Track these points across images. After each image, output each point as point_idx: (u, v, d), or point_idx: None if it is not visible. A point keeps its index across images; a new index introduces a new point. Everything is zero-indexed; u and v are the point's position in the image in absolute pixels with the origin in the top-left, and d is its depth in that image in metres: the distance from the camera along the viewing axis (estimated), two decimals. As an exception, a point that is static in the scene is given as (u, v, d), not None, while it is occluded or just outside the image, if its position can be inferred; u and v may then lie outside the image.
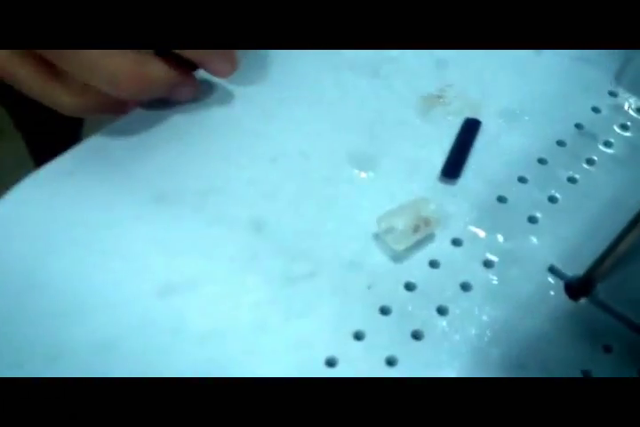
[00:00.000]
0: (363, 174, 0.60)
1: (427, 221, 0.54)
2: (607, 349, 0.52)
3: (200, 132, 0.60)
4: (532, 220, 0.59)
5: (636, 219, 0.48)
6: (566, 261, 0.56)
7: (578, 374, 0.51)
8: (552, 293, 0.55)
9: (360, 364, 0.49)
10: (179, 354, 0.48)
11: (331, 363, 0.49)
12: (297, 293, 0.52)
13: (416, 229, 0.54)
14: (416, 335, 0.51)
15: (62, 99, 0.51)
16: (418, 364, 0.50)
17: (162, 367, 0.47)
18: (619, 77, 0.47)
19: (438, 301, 0.53)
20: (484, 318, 0.52)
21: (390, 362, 0.49)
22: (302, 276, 0.53)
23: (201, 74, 0.61)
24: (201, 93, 0.61)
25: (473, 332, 0.52)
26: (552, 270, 0.56)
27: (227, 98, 0.63)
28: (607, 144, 0.65)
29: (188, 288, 0.51)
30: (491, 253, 0.56)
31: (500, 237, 0.57)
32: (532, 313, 0.53)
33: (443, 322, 0.52)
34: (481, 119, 0.64)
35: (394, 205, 0.56)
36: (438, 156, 0.62)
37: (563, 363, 0.51)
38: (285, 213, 0.56)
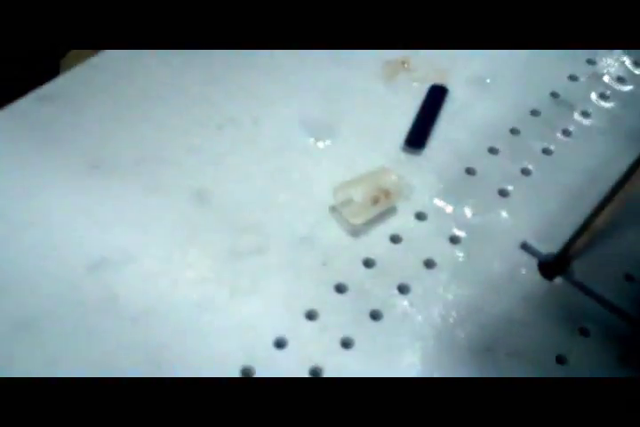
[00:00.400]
0: (319, 143, 0.57)
1: (387, 193, 0.52)
2: (584, 332, 0.51)
3: (140, 98, 0.57)
4: (503, 193, 0.57)
5: (611, 193, 0.46)
6: (540, 238, 0.54)
7: (551, 359, 0.48)
8: (524, 271, 0.53)
9: (312, 345, 0.47)
10: (109, 335, 0.45)
11: (280, 344, 0.46)
12: (243, 269, 0.50)
13: (375, 201, 0.51)
14: (374, 315, 0.49)
15: None
16: (376, 346, 0.48)
17: (88, 350, 0.45)
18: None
19: (399, 278, 0.51)
20: (450, 297, 0.50)
21: (345, 344, 0.47)
22: (250, 251, 0.51)
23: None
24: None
25: (437, 312, 0.50)
26: (524, 247, 0.54)
27: (170, 61, 0.60)
28: (585, 114, 0.63)
29: (122, 263, 0.48)
30: (458, 229, 0.54)
31: (469, 212, 0.55)
32: (501, 293, 0.52)
33: (404, 301, 0.50)
34: (448, 86, 0.62)
35: (352, 176, 0.53)
36: (402, 124, 0.59)
37: (535, 347, 0.49)
38: (232, 184, 0.54)
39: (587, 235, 0.49)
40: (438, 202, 0.55)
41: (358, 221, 0.52)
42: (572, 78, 0.65)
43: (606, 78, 0.66)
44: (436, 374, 0.47)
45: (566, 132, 0.61)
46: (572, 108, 0.63)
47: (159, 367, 0.44)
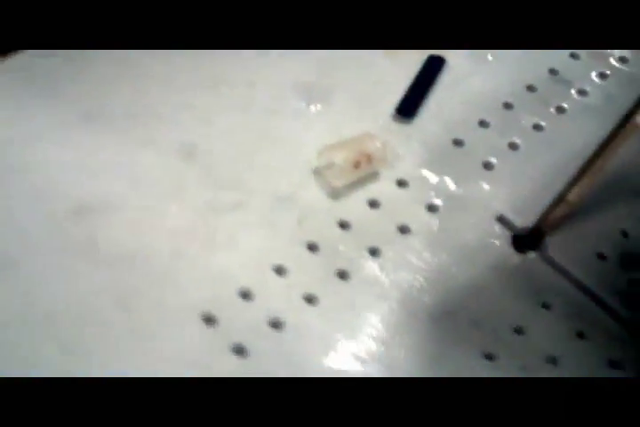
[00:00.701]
0: (311, 107, 0.61)
1: (369, 158, 0.55)
2: (546, 306, 0.54)
3: (137, 54, 0.61)
4: (488, 166, 0.60)
5: (584, 167, 0.49)
6: (517, 212, 0.57)
7: (510, 330, 0.52)
8: (498, 243, 0.56)
9: (277, 299, 0.51)
10: (84, 277, 0.50)
11: (245, 295, 0.51)
12: (221, 223, 0.55)
13: (356, 165, 0.55)
14: (342, 275, 0.53)
15: None
16: (339, 304, 0.52)
17: (63, 290, 0.50)
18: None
19: (372, 242, 0.55)
20: (420, 263, 0.54)
21: (310, 299, 0.51)
22: (230, 205, 0.55)
23: None
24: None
25: (405, 277, 0.53)
26: (501, 220, 0.57)
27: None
28: (581, 92, 0.66)
29: (105, 210, 0.52)
30: (437, 198, 0.58)
31: (450, 182, 0.59)
32: (472, 263, 0.56)
33: (374, 264, 0.54)
34: (447, 58, 0.65)
35: (339, 141, 0.57)
36: (396, 93, 0.63)
37: (497, 316, 0.53)
38: (220, 142, 0.57)
39: (560, 210, 0.52)
40: (421, 171, 0.58)
41: (339, 183, 0.55)
42: (574, 56, 0.68)
43: (609, 58, 0.68)
44: (396, 338, 0.51)
45: (560, 109, 0.64)
46: (569, 85, 0.66)
47: (127, 310, 0.48)
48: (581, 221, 0.57)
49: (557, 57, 0.67)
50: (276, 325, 0.50)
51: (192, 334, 0.49)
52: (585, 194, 0.51)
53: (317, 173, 0.57)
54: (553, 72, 0.66)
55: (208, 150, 0.57)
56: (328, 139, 0.58)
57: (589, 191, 0.51)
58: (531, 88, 0.65)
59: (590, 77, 0.66)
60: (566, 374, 0.51)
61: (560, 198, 0.50)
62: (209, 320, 0.50)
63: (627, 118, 0.43)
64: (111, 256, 0.51)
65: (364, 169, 0.55)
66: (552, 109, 0.64)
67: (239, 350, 0.49)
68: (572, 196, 0.50)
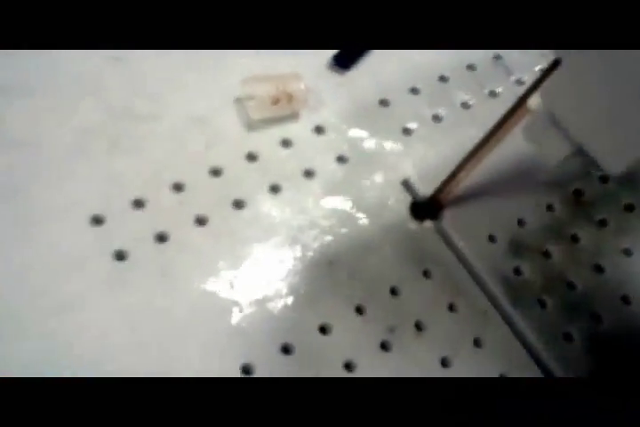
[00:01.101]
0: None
1: (290, 98, 0.59)
2: (426, 274, 0.58)
3: None
4: (406, 131, 0.64)
5: (483, 140, 0.53)
6: (423, 180, 0.61)
7: (386, 289, 0.56)
8: (396, 206, 0.60)
9: (167, 213, 0.54)
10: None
11: (138, 204, 0.54)
12: (131, 129, 0.57)
13: (275, 101, 0.58)
14: (237, 204, 0.56)
15: None
16: (227, 231, 0.56)
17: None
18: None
19: (274, 179, 0.58)
20: (316, 209, 0.58)
21: (200, 221, 0.55)
22: (144, 115, 0.57)
23: None
24: None
25: (298, 219, 0.58)
26: (405, 184, 0.61)
27: None
28: (519, 82, 0.70)
29: (9, 92, 0.55)
30: (349, 150, 0.61)
31: (367, 138, 0.62)
32: (366, 219, 0.60)
33: (271, 200, 0.57)
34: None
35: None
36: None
37: (375, 273, 0.56)
38: (151, 53, 0.61)
39: (453, 184, 0.56)
40: (341, 122, 0.62)
41: (256, 116, 0.58)
42: (523, 46, 0.72)
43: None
44: (274, 275, 0.55)
45: (493, 94, 0.69)
46: (509, 73, 0.70)
47: (16, 195, 0.52)
48: (483, 201, 0.61)
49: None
50: (160, 238, 0.53)
51: (76, 231, 0.52)
52: (472, 171, 0.54)
53: (238, 102, 0.59)
54: (497, 57, 0.70)
55: (135, 59, 0.59)
56: (257, 70, 0.60)
57: (477, 169, 0.54)
58: (471, 67, 0.69)
59: (532, 70, 0.70)
60: (428, 344, 0.55)
61: (453, 173, 0.54)
62: (97, 221, 0.53)
63: (520, 101, 0.47)
64: (8, 140, 0.53)
65: (283, 108, 0.58)
66: (485, 91, 0.68)
67: (119, 256, 0.52)
68: (463, 173, 0.54)
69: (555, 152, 0.44)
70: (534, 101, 0.43)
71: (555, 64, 0.42)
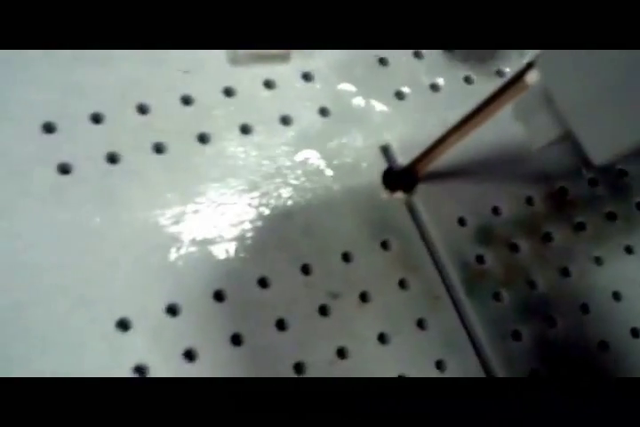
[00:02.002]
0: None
1: (285, 36, 0.55)
2: (384, 245, 0.55)
3: None
4: (399, 95, 0.61)
5: (468, 115, 0.50)
6: (404, 150, 0.59)
7: (336, 253, 0.54)
8: (370, 170, 0.58)
9: (127, 134, 0.52)
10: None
11: (97, 119, 0.52)
12: None
13: (269, 38, 0.54)
14: (202, 138, 0.54)
15: None
16: (186, 163, 0.54)
17: None
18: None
19: (247, 119, 0.56)
20: (284, 157, 0.55)
21: (158, 149, 0.53)
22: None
23: None
24: None
25: (263, 163, 0.56)
26: (384, 150, 0.58)
27: None
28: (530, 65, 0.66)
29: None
30: (334, 104, 0.58)
31: (355, 95, 0.59)
32: (336, 177, 0.57)
33: (239, 140, 0.55)
34: None
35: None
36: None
37: (330, 235, 0.54)
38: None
39: (437, 155, 0.53)
40: (333, 73, 0.59)
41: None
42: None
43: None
44: (225, 215, 0.53)
45: (500, 73, 0.66)
46: (522, 53, 0.66)
47: None
48: (461, 181, 0.58)
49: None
50: (112, 158, 0.51)
51: (24, 136, 0.50)
52: (455, 144, 0.51)
53: (229, 32, 0.56)
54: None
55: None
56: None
57: (461, 145, 0.51)
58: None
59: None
60: (369, 316, 0.52)
61: (435, 145, 0.51)
62: (48, 130, 0.51)
63: (518, 75, 0.44)
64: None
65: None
66: (493, 68, 0.65)
67: (64, 169, 0.49)
68: (445, 145, 0.51)
69: (541, 134, 0.41)
70: (533, 76, 0.40)
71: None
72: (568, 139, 0.40)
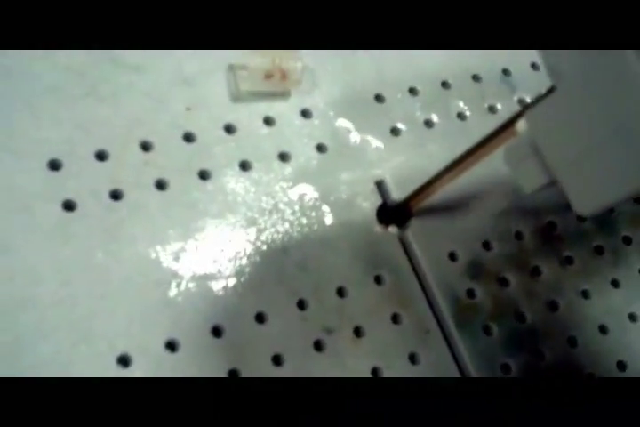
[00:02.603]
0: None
1: (284, 75, 0.56)
2: (378, 280, 0.56)
3: None
4: (395, 131, 0.62)
5: (462, 155, 0.51)
6: (399, 185, 0.60)
7: (333, 290, 0.55)
8: (365, 205, 0.59)
9: (129, 173, 0.54)
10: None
11: (101, 156, 0.53)
12: (112, 78, 0.56)
13: (268, 76, 0.56)
14: (202, 174, 0.55)
15: None
16: (187, 199, 0.55)
17: None
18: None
19: (247, 155, 0.56)
20: (282, 194, 0.56)
21: (160, 185, 0.54)
22: (129, 66, 0.56)
23: None
24: None
25: (262, 200, 0.57)
26: (379, 185, 0.60)
27: None
28: (522, 101, 0.68)
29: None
30: (331, 140, 0.59)
31: (352, 131, 0.61)
32: (331, 212, 0.58)
33: (238, 177, 0.56)
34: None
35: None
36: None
37: (326, 269, 0.55)
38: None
39: (430, 192, 0.54)
40: (330, 109, 0.60)
41: (245, 87, 0.56)
42: (534, 66, 0.70)
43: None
44: (224, 254, 0.54)
45: (492, 109, 0.67)
46: (513, 90, 0.68)
47: None
48: (453, 217, 0.60)
49: (518, 61, 0.69)
50: (115, 195, 0.52)
51: (31, 172, 0.52)
52: (449, 183, 0.53)
53: (230, 69, 0.57)
54: (506, 72, 0.68)
55: None
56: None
57: (454, 182, 0.52)
58: (476, 78, 0.67)
59: (538, 91, 0.67)
60: (363, 351, 0.53)
61: (429, 183, 0.53)
62: (54, 166, 0.52)
63: (509, 123, 0.46)
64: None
65: (275, 84, 0.56)
66: (485, 105, 0.66)
67: (68, 205, 0.51)
68: (439, 183, 0.52)
69: (530, 181, 0.43)
70: (522, 125, 0.41)
71: (548, 92, 0.41)
72: (557, 184, 0.41)
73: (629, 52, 0.34)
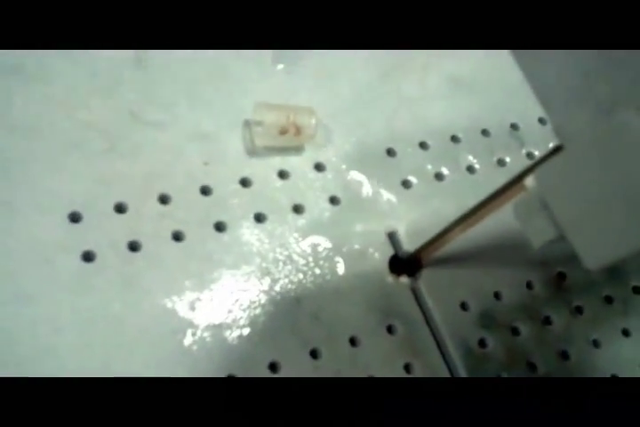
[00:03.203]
0: (279, 66, 0.63)
1: (298, 130, 0.58)
2: (390, 330, 0.57)
3: None
4: (406, 184, 0.64)
5: (474, 208, 0.52)
6: (411, 237, 0.61)
7: (345, 339, 0.56)
8: (377, 256, 0.59)
9: (147, 225, 0.55)
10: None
11: (120, 209, 0.54)
12: (133, 134, 0.58)
13: (283, 132, 0.57)
14: (219, 227, 0.56)
15: None
16: (203, 251, 0.56)
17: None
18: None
19: (262, 208, 0.58)
20: (296, 245, 0.57)
21: (177, 237, 0.55)
22: (150, 122, 0.58)
23: None
24: None
25: (276, 251, 0.58)
26: (391, 237, 0.61)
27: None
28: (530, 155, 0.69)
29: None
30: (344, 192, 0.60)
31: (364, 184, 0.62)
32: (344, 264, 0.59)
33: (253, 229, 0.57)
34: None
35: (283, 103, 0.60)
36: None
37: (339, 319, 0.56)
38: (172, 56, 0.60)
39: (441, 244, 0.55)
40: (343, 163, 0.61)
41: (260, 143, 0.58)
42: (542, 121, 0.71)
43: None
44: (237, 304, 0.55)
45: (501, 162, 0.68)
46: (522, 144, 0.69)
47: None
48: (464, 268, 0.60)
49: (526, 115, 0.70)
50: (133, 247, 0.53)
51: (52, 225, 0.53)
52: (460, 235, 0.53)
53: (246, 125, 0.59)
54: (514, 127, 0.69)
55: (161, 64, 0.59)
56: (273, 97, 0.60)
57: (465, 234, 0.53)
58: (485, 132, 0.68)
59: (547, 146, 0.69)
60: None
61: (440, 235, 0.53)
62: (74, 219, 0.54)
63: (518, 178, 0.47)
64: (11, 122, 0.53)
65: (289, 139, 0.58)
66: (494, 159, 0.67)
67: (87, 257, 0.52)
68: (450, 235, 0.53)
69: (539, 235, 0.43)
70: (530, 181, 0.42)
71: (556, 150, 0.42)
72: (564, 239, 0.41)
73: (632, 115, 0.35)
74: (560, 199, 0.39)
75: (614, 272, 0.66)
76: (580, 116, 0.38)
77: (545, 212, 0.42)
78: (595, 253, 0.38)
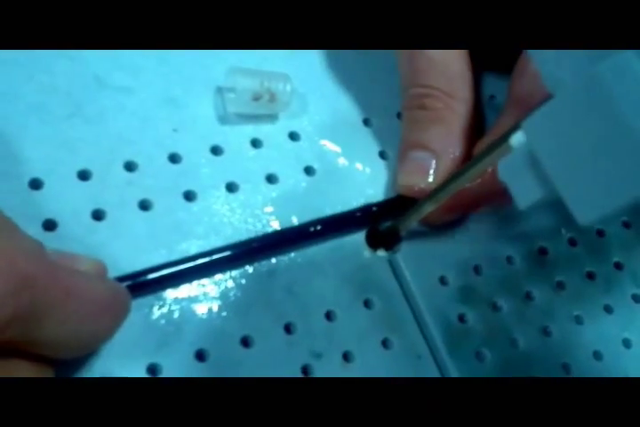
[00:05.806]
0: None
1: (272, 97, 0.54)
2: (367, 304, 0.53)
3: None
4: (383, 155, 0.60)
5: (448, 180, 0.48)
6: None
7: (320, 312, 0.53)
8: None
9: (112, 193, 0.52)
10: None
11: (84, 175, 0.51)
12: (99, 99, 0.55)
13: (256, 98, 0.53)
14: (187, 196, 0.52)
15: None
16: (171, 220, 0.52)
17: None
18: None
19: (234, 177, 0.54)
20: (268, 216, 0.53)
21: (144, 206, 0.51)
22: (116, 87, 0.53)
23: None
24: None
25: (247, 221, 0.54)
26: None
27: None
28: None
29: None
30: (319, 163, 0.56)
31: (340, 155, 0.58)
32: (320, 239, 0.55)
33: (224, 198, 0.53)
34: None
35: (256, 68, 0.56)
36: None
37: (314, 294, 0.53)
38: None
39: (420, 215, 0.51)
40: (318, 132, 0.57)
41: (232, 109, 0.54)
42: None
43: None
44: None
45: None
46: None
47: None
48: (444, 241, 0.57)
49: (504, 86, 0.66)
50: (97, 215, 0.49)
51: (11, 192, 0.49)
52: (439, 206, 0.50)
53: (218, 91, 0.55)
54: (492, 97, 0.66)
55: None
56: (247, 63, 0.56)
57: (445, 202, 0.49)
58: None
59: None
60: (353, 375, 0.50)
61: (419, 206, 0.50)
62: (35, 186, 0.50)
63: (503, 137, 0.43)
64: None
65: (263, 106, 0.54)
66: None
67: (49, 225, 0.48)
68: (429, 206, 0.49)
69: (526, 195, 0.40)
70: (516, 138, 0.38)
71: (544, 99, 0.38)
72: (553, 199, 0.38)
73: (630, 53, 0.31)
74: (550, 151, 0.36)
75: (596, 248, 0.63)
76: (571, 59, 0.33)
77: (532, 170, 0.38)
78: (588, 207, 0.34)
